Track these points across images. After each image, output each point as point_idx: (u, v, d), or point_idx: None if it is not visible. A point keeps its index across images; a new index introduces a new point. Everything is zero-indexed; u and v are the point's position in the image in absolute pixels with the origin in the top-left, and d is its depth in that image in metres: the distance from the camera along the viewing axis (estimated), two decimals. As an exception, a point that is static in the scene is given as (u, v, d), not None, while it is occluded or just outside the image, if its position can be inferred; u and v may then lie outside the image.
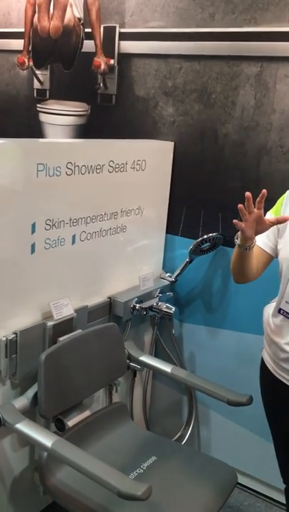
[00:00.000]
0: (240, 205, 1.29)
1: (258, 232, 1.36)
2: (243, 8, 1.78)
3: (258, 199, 1.29)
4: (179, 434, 2.26)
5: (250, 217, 1.30)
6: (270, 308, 1.50)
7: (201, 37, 1.89)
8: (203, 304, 2.12)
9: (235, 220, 1.32)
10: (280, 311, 1.42)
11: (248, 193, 1.28)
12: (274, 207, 1.49)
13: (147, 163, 1.93)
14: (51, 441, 1.33)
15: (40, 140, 1.56)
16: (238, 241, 1.39)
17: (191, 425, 2.22)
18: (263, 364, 1.55)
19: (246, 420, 2.06)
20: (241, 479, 2.10)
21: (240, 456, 2.08)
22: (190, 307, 2.16)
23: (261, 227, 1.34)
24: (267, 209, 1.46)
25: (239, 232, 1.37)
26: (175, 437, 2.25)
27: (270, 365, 1.49)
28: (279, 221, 1.34)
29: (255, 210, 1.30)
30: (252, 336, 1.96)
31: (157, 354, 2.24)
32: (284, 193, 1.49)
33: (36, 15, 2.25)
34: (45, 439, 1.35)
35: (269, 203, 1.44)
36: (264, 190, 1.28)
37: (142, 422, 2.27)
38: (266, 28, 1.75)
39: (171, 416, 2.32)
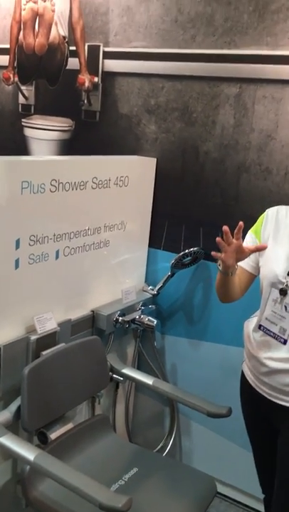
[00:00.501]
0: (218, 239, 1.33)
1: (238, 260, 1.39)
2: (223, 31, 1.85)
3: (235, 231, 1.33)
4: (161, 444, 2.29)
5: (230, 248, 1.34)
6: (250, 323, 1.54)
7: (182, 58, 1.95)
8: (185, 317, 2.16)
9: (213, 252, 1.37)
10: (260, 327, 1.46)
11: (225, 227, 1.31)
12: (254, 226, 1.52)
13: (130, 179, 1.97)
14: (33, 455, 1.35)
15: (25, 158, 1.60)
16: (220, 268, 1.42)
17: (173, 436, 2.25)
18: (243, 377, 1.58)
19: (227, 431, 2.10)
20: (222, 489, 2.14)
21: (221, 466, 2.12)
22: (172, 320, 2.20)
23: (241, 255, 1.38)
24: (247, 228, 1.50)
25: (220, 262, 1.40)
26: (157, 448, 2.28)
27: (250, 378, 1.52)
28: (258, 249, 1.41)
29: (234, 240, 1.33)
30: (233, 348, 2.00)
31: (140, 366, 2.28)
32: (262, 210, 1.53)
33: (22, 32, 2.29)
34: (28, 452, 1.37)
35: (249, 221, 1.48)
36: (240, 223, 1.32)
37: (124, 434, 2.29)
38: (245, 50, 1.82)
39: (153, 427, 2.35)
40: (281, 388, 1.41)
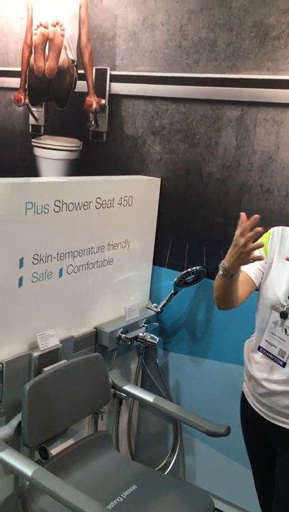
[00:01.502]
0: (243, 215, 1.31)
1: (243, 261, 1.33)
2: (225, 56, 1.89)
3: (252, 232, 1.30)
4: (164, 462, 2.30)
5: (250, 234, 1.30)
6: (250, 343, 1.55)
7: (186, 81, 1.99)
8: (188, 334, 2.18)
9: (252, 256, 1.31)
10: (259, 348, 1.46)
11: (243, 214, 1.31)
12: (260, 240, 1.48)
13: (134, 199, 2.01)
14: (31, 471, 1.38)
15: (29, 179, 1.65)
16: (224, 267, 1.36)
17: (176, 453, 2.26)
18: (243, 397, 1.58)
19: (231, 449, 2.10)
20: (225, 507, 2.13)
21: (224, 485, 2.12)
22: (175, 337, 2.22)
23: (248, 256, 1.32)
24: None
25: (224, 261, 1.36)
26: (160, 465, 2.29)
27: (250, 398, 1.53)
28: (259, 259, 1.35)
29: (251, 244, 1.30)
30: (235, 366, 2.01)
31: (144, 383, 2.30)
32: (264, 230, 1.53)
33: (32, 56, 2.37)
34: (26, 468, 1.40)
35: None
36: (256, 216, 1.30)
37: (127, 450, 2.30)
38: (247, 75, 1.86)
39: (156, 444, 2.36)
40: (279, 410, 1.42)
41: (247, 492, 1.85)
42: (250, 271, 1.48)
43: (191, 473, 2.27)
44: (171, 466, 2.26)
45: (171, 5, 1.98)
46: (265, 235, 1.52)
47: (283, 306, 1.39)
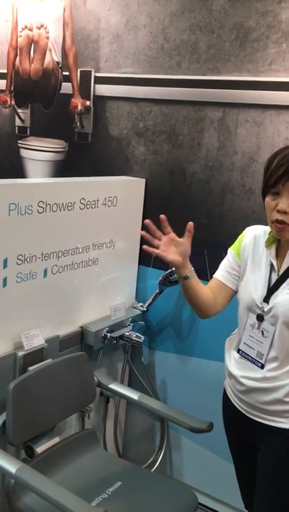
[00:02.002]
0: (141, 232, 1.39)
1: (183, 254, 1.38)
2: (207, 58, 1.92)
3: (163, 224, 1.37)
4: (151, 459, 2.32)
5: (162, 242, 1.36)
6: (231, 341, 1.57)
7: (169, 83, 2.02)
8: (174, 333, 2.21)
9: (145, 246, 1.38)
10: (238, 351, 1.48)
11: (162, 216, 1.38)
12: (234, 244, 1.54)
13: (119, 199, 2.04)
14: (15, 468, 1.40)
15: (12, 181, 1.66)
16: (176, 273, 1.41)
17: (163, 451, 2.29)
18: (224, 394, 1.60)
19: (216, 445, 2.13)
20: (211, 503, 2.16)
21: (210, 481, 2.15)
22: (161, 335, 2.25)
23: (182, 247, 1.37)
24: (226, 248, 1.55)
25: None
26: (147, 463, 2.32)
27: (231, 395, 1.55)
28: (189, 230, 1.39)
29: (164, 237, 1.36)
30: (220, 363, 2.01)
31: (131, 382, 2.32)
32: (245, 228, 1.55)
33: (18, 58, 2.39)
34: (10, 465, 1.42)
35: (234, 240, 1.53)
36: (162, 216, 1.38)
37: (115, 449, 2.33)
38: (228, 77, 1.89)
39: (144, 442, 2.39)
40: (258, 406, 1.44)
41: (232, 487, 1.88)
42: (219, 275, 1.51)
43: (178, 470, 2.30)
44: (158, 464, 2.29)
45: (154, 8, 2.01)
46: (239, 238, 1.54)
47: (260, 308, 1.40)
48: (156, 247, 1.37)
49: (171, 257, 1.36)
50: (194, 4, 1.91)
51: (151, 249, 1.36)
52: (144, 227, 1.42)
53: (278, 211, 1.29)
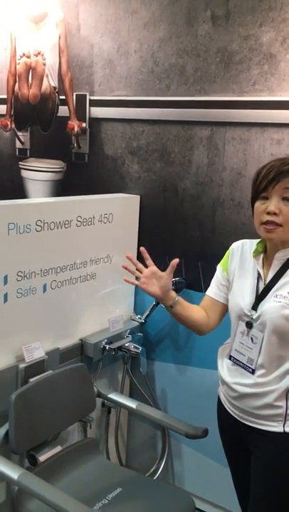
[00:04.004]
0: (123, 265, 1.45)
1: (164, 288, 1.46)
2: (194, 80, 2.02)
3: (144, 255, 1.47)
4: (153, 468, 2.38)
5: (144, 274, 1.45)
6: (224, 349, 1.63)
7: (159, 104, 2.12)
8: (172, 343, 2.28)
9: (125, 278, 1.46)
10: (230, 357, 1.54)
11: (128, 254, 1.48)
12: (222, 260, 1.61)
13: (114, 216, 2.13)
14: (17, 474, 1.47)
15: (11, 202, 1.76)
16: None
17: (164, 459, 2.34)
18: (218, 401, 1.65)
19: (215, 452, 2.16)
20: (210, 509, 2.21)
21: (211, 488, 2.20)
22: (160, 346, 2.32)
23: (162, 281, 1.46)
24: (218, 260, 1.63)
25: None
26: (150, 471, 2.37)
27: (224, 401, 1.60)
28: (172, 266, 1.47)
29: (146, 270, 1.45)
30: (217, 372, 2.10)
31: (132, 392, 2.39)
32: (237, 240, 1.61)
33: (17, 84, 2.51)
34: (12, 472, 1.49)
35: (224, 251, 1.60)
36: (142, 248, 1.49)
37: (117, 458, 2.38)
38: (214, 97, 1.98)
39: (146, 451, 2.45)
40: (251, 411, 1.48)
41: (233, 493, 1.93)
42: (211, 292, 1.58)
43: (179, 477, 2.35)
44: (160, 472, 2.34)
45: (143, 34, 2.12)
46: (226, 253, 1.60)
47: (248, 316, 1.46)
48: (140, 278, 1.46)
49: (151, 290, 1.46)
50: (181, 30, 2.02)
51: (131, 280, 1.46)
52: (141, 242, 1.50)
53: (268, 213, 1.37)
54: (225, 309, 1.59)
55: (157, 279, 1.47)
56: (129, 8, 2.14)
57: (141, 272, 1.47)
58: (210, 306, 1.59)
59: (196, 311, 1.56)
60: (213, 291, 1.60)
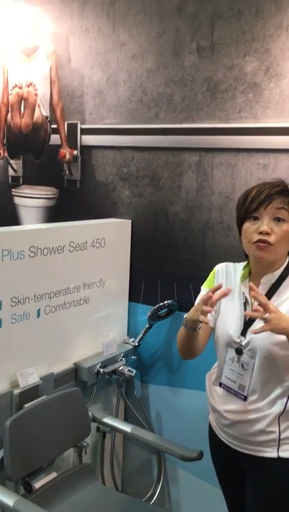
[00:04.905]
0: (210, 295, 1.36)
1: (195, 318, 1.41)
2: (182, 108, 2.09)
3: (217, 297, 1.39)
4: (150, 493, 2.36)
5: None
6: (211, 376, 1.62)
7: (148, 132, 2.19)
8: (165, 366, 2.29)
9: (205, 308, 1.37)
10: (220, 384, 1.53)
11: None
12: (207, 281, 1.63)
13: (107, 240, 2.16)
14: (13, 501, 1.47)
15: (4, 229, 1.79)
16: (186, 323, 1.44)
17: (160, 484, 2.33)
18: (210, 428, 1.64)
19: (211, 476, 2.16)
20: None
21: (208, 511, 2.19)
22: (153, 369, 2.33)
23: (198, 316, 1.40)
24: (203, 281, 1.66)
25: (187, 315, 1.45)
26: (146, 496, 2.35)
27: (216, 429, 1.59)
28: (224, 294, 1.40)
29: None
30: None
31: (126, 415, 2.39)
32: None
33: (9, 114, 2.57)
34: (8, 498, 1.48)
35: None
36: (229, 288, 1.41)
37: (113, 483, 2.37)
38: (201, 124, 2.05)
39: (142, 476, 2.43)
40: (244, 438, 1.48)
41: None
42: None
43: (176, 502, 2.33)
44: (156, 497, 2.32)
45: (131, 65, 2.19)
46: (211, 274, 1.62)
47: (237, 343, 1.47)
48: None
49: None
50: (168, 61, 2.10)
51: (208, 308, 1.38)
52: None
53: (260, 232, 1.39)
54: (210, 332, 1.59)
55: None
56: (118, 41, 2.22)
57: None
58: (202, 330, 1.55)
59: (201, 332, 1.54)
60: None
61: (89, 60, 2.32)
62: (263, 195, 1.41)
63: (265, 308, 1.29)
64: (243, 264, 1.57)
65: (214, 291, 1.37)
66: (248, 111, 1.94)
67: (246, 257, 1.55)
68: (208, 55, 1.99)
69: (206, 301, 1.36)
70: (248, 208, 1.43)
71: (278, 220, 1.40)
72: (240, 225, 1.48)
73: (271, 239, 1.39)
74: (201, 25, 1.99)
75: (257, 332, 1.33)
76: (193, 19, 2.01)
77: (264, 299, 1.30)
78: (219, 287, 1.38)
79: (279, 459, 1.45)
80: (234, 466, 1.57)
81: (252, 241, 1.42)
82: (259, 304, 1.31)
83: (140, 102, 2.20)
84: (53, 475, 1.81)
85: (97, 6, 2.26)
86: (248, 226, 1.44)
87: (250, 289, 1.32)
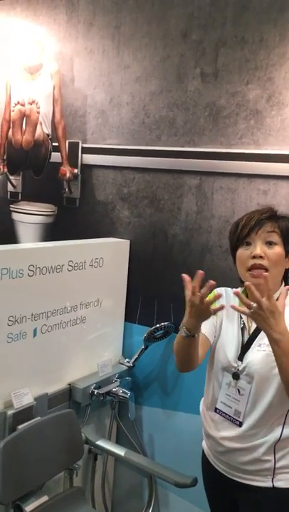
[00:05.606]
0: (185, 276, 1.32)
1: (202, 316, 1.34)
2: (184, 131, 2.11)
3: (205, 288, 1.32)
4: (140, 517, 2.33)
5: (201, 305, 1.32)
6: (206, 401, 1.60)
7: (150, 154, 2.20)
8: (160, 388, 2.28)
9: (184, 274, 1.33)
10: (216, 410, 1.52)
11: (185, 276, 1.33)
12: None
13: (105, 260, 2.16)
14: (4, 527, 1.44)
15: (4, 247, 1.78)
16: (184, 330, 1.37)
17: (151, 508, 2.29)
18: (203, 454, 1.63)
19: (204, 502, 2.14)
20: None
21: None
22: (147, 390, 2.31)
23: (206, 311, 1.33)
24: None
25: (183, 323, 1.39)
26: (136, 521, 2.32)
27: (210, 456, 1.58)
28: (220, 308, 1.36)
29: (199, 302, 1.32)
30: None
31: (119, 437, 2.36)
32: (224, 286, 1.62)
33: (11, 130, 2.58)
34: (-1, 524, 1.45)
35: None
36: (200, 272, 1.33)
37: (103, 506, 2.33)
38: (203, 148, 2.07)
39: (132, 499, 2.39)
40: (238, 466, 1.47)
41: None
42: (204, 329, 1.53)
43: (166, 527, 2.30)
44: (146, 521, 2.29)
45: (135, 88, 2.22)
46: (212, 293, 1.55)
47: (234, 368, 1.46)
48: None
49: (197, 315, 1.36)
50: (171, 85, 2.12)
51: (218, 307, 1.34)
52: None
53: (254, 256, 1.41)
54: (208, 348, 1.55)
55: (202, 308, 1.34)
56: (122, 63, 2.24)
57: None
58: (201, 343, 1.52)
59: (199, 345, 1.49)
60: (206, 328, 1.53)
61: (92, 81, 2.34)
62: (253, 221, 1.45)
63: (259, 304, 1.26)
64: (241, 289, 1.57)
65: (198, 282, 1.31)
66: (250, 137, 1.96)
67: (241, 283, 1.54)
68: (212, 81, 2.02)
69: (194, 292, 1.30)
70: (240, 234, 1.47)
71: (270, 243, 1.44)
72: (233, 252, 1.51)
73: (265, 263, 1.41)
74: (205, 52, 2.02)
75: (235, 309, 1.31)
76: (197, 45, 2.04)
77: (257, 295, 1.27)
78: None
79: (274, 489, 1.43)
80: (227, 495, 1.56)
81: (247, 267, 1.44)
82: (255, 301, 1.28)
83: (142, 123, 2.22)
84: (44, 498, 1.78)
85: (102, 28, 2.29)
86: (241, 252, 1.47)
87: (246, 287, 1.30)
